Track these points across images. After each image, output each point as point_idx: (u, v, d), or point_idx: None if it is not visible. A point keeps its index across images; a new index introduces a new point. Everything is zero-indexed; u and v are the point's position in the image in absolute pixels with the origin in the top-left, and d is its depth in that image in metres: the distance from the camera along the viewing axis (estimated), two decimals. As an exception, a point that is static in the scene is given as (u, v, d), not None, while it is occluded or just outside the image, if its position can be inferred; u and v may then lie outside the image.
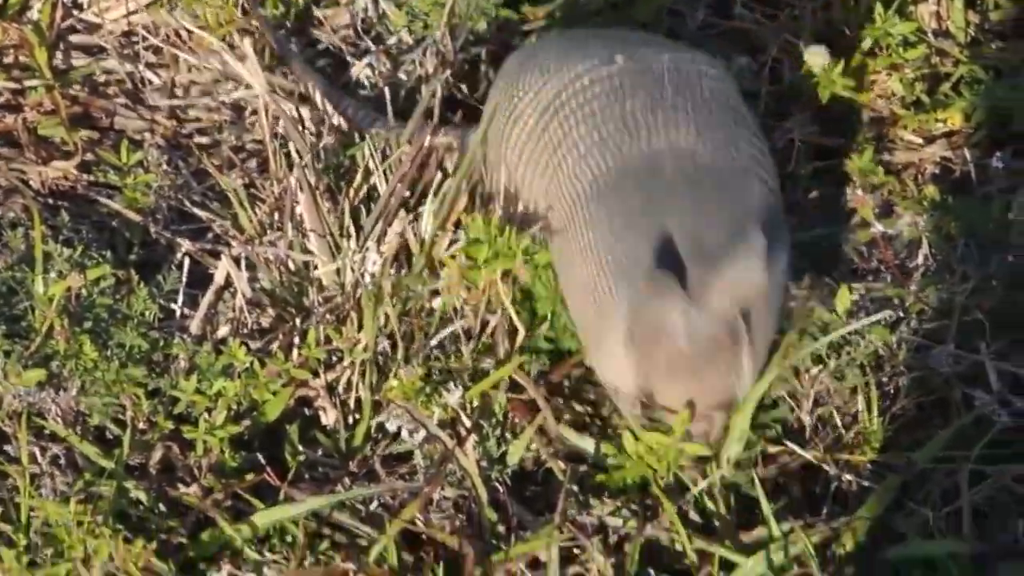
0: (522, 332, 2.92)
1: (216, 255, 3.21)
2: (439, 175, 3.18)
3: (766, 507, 2.66)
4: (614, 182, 2.62)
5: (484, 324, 2.98)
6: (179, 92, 3.74)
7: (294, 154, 3.28)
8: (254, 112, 3.60)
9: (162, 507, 2.76)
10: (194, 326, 3.05)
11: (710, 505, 2.71)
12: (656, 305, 2.47)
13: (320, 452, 2.90)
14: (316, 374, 2.95)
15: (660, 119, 2.64)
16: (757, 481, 2.67)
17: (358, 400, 2.94)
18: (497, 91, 3.05)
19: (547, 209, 2.77)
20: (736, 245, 2.49)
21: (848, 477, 2.85)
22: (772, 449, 2.85)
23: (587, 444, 2.84)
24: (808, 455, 2.86)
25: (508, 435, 2.90)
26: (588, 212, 2.63)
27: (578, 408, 2.95)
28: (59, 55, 3.72)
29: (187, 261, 3.18)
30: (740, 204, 2.60)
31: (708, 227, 2.53)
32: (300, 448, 2.88)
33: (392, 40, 3.72)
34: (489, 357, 2.95)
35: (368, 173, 3.22)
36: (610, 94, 2.72)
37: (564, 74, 2.80)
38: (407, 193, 3.14)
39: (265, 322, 3.12)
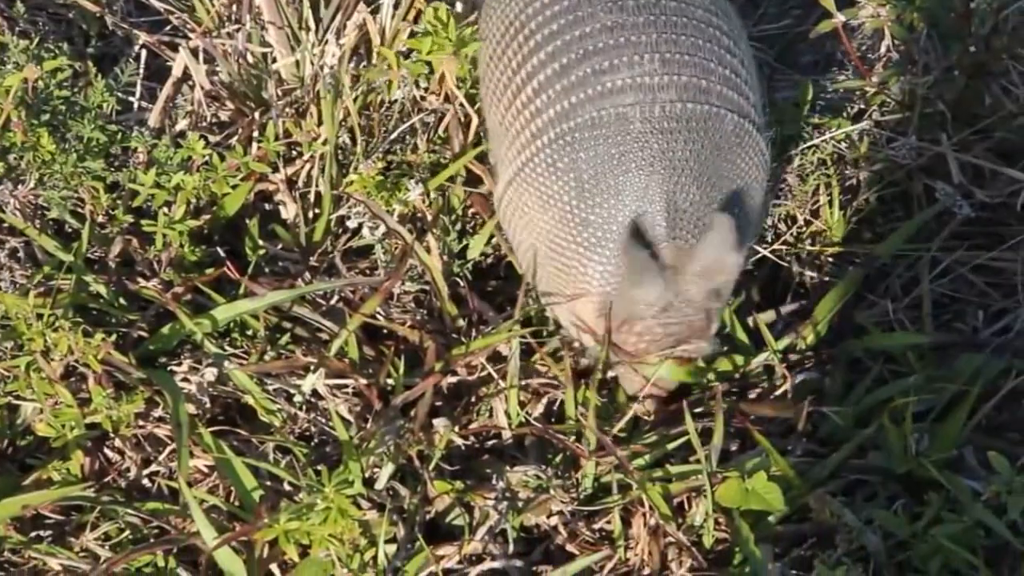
0: (475, 120, 2.89)
1: (174, 47, 3.16)
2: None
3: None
4: (579, 129, 2.45)
5: (441, 117, 2.96)
6: None
7: (251, -57, 3.20)
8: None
9: (122, 301, 2.75)
10: (152, 119, 3.03)
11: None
12: (634, 287, 2.38)
13: (280, 247, 2.90)
14: (275, 168, 2.94)
15: (623, 45, 2.46)
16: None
17: (318, 195, 2.93)
18: None
19: (503, 139, 2.63)
20: (708, 221, 2.39)
21: (809, 272, 2.85)
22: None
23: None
24: (767, 252, 2.86)
25: (469, 230, 2.89)
26: (551, 158, 2.47)
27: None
28: None
29: (144, 53, 3.14)
30: (712, 157, 2.44)
31: (681, 190, 2.40)
32: (260, 242, 2.87)
33: None
34: (446, 149, 2.94)
35: (327, -37, 3.16)
36: (569, 14, 2.53)
37: None
38: (367, -17, 3.10)
39: (224, 115, 3.10)
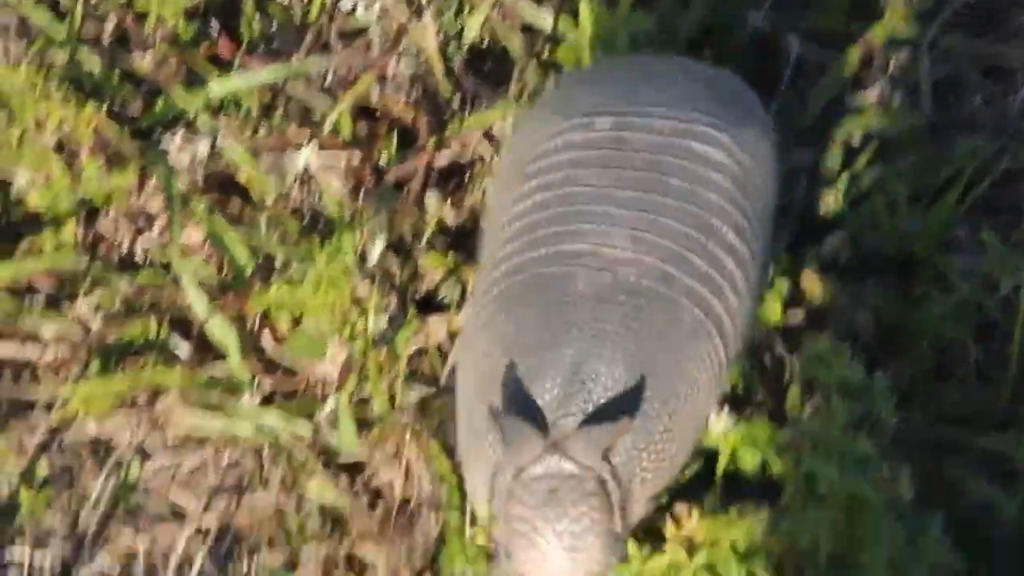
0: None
1: None
2: None
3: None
4: (522, 288, 2.14)
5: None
6: None
7: None
8: None
9: (116, 77, 2.74)
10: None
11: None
12: (514, 453, 2.00)
13: (275, 25, 2.87)
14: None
15: (598, 214, 2.13)
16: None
17: (313, -26, 2.91)
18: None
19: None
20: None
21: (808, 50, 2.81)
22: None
23: (545, 19, 2.80)
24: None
25: (465, 9, 2.87)
26: (491, 312, 2.16)
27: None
28: None
29: None
30: (652, 345, 2.07)
31: (595, 363, 2.03)
32: (255, 20, 2.84)
33: None
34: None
35: None
36: (566, 167, 2.19)
37: (540, 133, 2.26)
38: None
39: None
